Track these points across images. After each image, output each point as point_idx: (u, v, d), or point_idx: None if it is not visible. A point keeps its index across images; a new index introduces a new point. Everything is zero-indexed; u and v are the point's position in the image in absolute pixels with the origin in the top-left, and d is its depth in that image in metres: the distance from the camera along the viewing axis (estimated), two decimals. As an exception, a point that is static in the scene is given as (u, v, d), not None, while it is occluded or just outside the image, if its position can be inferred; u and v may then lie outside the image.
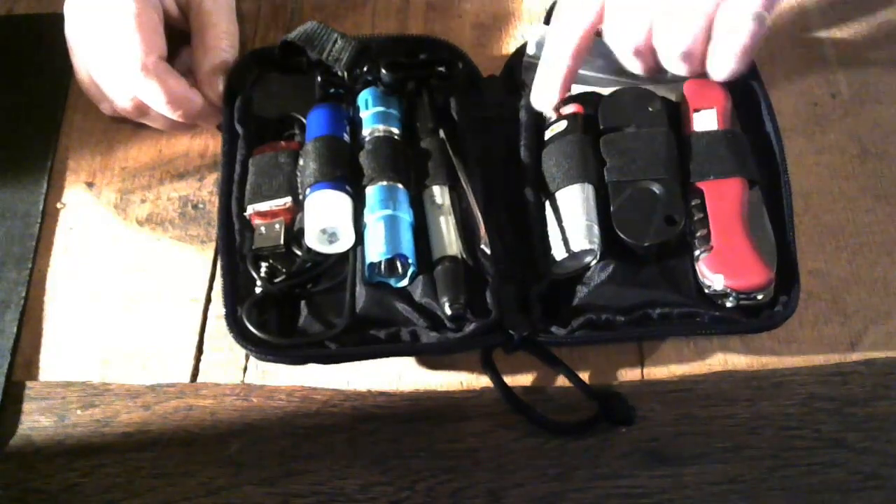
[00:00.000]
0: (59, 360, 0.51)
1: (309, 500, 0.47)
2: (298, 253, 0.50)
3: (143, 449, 0.49)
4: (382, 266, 0.48)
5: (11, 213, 0.56)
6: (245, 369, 0.51)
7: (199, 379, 0.51)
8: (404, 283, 0.48)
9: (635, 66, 0.50)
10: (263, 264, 0.49)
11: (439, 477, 0.47)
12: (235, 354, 0.51)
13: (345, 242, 0.49)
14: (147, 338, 0.52)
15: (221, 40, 0.56)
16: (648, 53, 0.49)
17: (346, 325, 0.48)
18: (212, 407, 0.50)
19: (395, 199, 0.49)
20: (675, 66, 0.48)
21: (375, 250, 0.48)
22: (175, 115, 0.54)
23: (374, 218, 0.49)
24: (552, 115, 0.53)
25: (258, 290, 0.49)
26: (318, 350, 0.47)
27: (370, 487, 0.47)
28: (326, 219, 0.49)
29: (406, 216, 0.49)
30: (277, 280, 0.49)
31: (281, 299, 0.49)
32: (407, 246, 0.48)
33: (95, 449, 0.49)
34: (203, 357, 0.51)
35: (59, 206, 0.56)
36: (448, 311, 0.47)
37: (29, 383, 0.51)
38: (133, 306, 0.53)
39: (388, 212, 0.49)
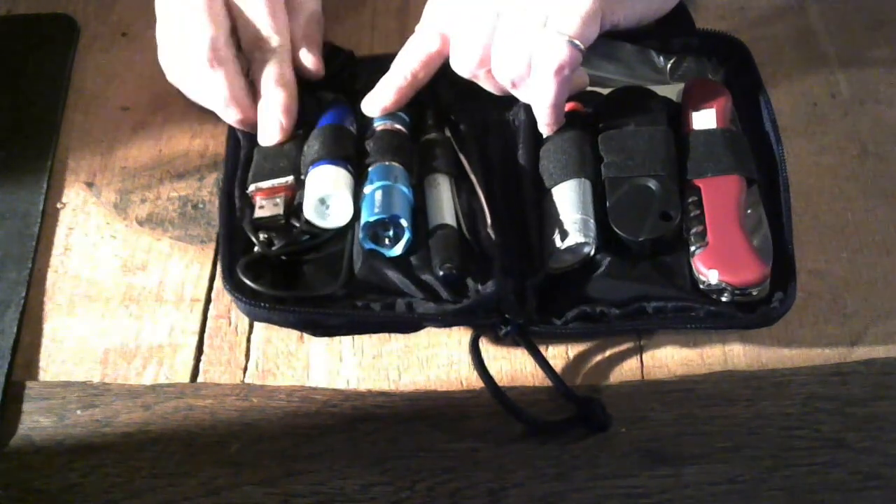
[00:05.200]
0: (59, 360, 0.51)
1: (309, 500, 0.47)
2: (297, 226, 0.50)
3: (143, 449, 0.48)
4: (376, 230, 0.48)
5: (11, 213, 0.56)
6: (245, 369, 0.51)
7: (199, 379, 0.51)
8: (398, 250, 0.49)
9: (484, 86, 0.54)
10: (262, 234, 0.50)
11: (439, 477, 0.47)
12: (235, 354, 0.51)
13: (342, 216, 0.50)
14: (147, 338, 0.52)
15: (313, 21, 0.57)
16: (489, 78, 0.52)
17: (342, 285, 0.48)
18: (212, 407, 0.50)
19: (395, 176, 0.50)
20: (511, 90, 0.51)
21: (371, 212, 0.49)
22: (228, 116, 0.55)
23: (373, 187, 0.50)
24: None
25: (256, 251, 0.50)
26: (313, 310, 0.48)
27: (370, 487, 0.47)
28: (324, 188, 0.49)
29: (405, 190, 0.50)
30: (276, 247, 0.50)
31: (278, 270, 0.50)
32: (402, 212, 0.49)
33: (95, 449, 0.49)
34: (203, 357, 0.51)
35: (59, 206, 0.56)
36: (439, 272, 0.48)
37: (29, 383, 0.51)
38: (133, 306, 0.53)
39: (388, 182, 0.50)
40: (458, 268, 0.48)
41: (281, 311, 0.48)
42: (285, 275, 0.50)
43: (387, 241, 0.49)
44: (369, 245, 0.49)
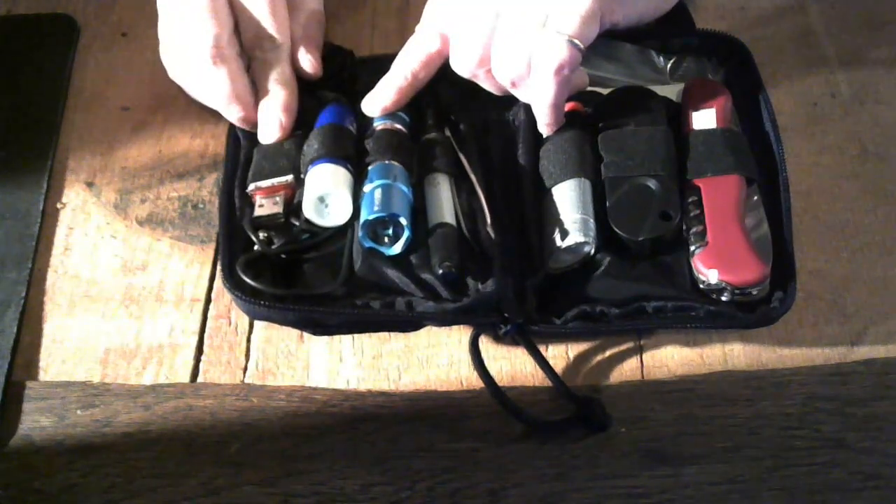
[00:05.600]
0: (59, 360, 0.51)
1: (309, 500, 0.47)
2: (297, 224, 0.50)
3: (143, 449, 0.48)
4: (376, 229, 0.48)
5: (11, 213, 0.56)
6: (245, 369, 0.51)
7: (199, 379, 0.51)
8: (397, 249, 0.49)
9: (484, 86, 0.54)
10: (262, 233, 0.50)
11: (439, 477, 0.47)
12: (235, 354, 0.51)
13: (342, 215, 0.50)
14: (147, 338, 0.52)
15: (313, 20, 0.57)
16: (489, 78, 0.52)
17: (342, 284, 0.48)
18: (212, 407, 0.50)
19: (395, 175, 0.50)
20: (511, 90, 0.52)
21: (370, 210, 0.49)
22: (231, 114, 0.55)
23: (373, 186, 0.50)
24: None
25: (256, 249, 0.50)
26: (313, 308, 0.48)
27: (370, 487, 0.47)
28: (324, 187, 0.50)
29: (405, 189, 0.50)
30: (275, 246, 0.50)
31: (277, 269, 0.50)
32: (402, 210, 0.49)
33: (95, 449, 0.49)
34: (203, 357, 0.51)
35: (59, 206, 0.56)
36: (439, 271, 0.48)
37: (29, 383, 0.51)
38: (133, 306, 0.53)
39: (387, 181, 0.50)
40: (457, 266, 0.48)
41: (280, 309, 0.48)
42: (285, 273, 0.50)
43: (386, 239, 0.49)
44: (369, 243, 0.49)
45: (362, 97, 0.54)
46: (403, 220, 0.48)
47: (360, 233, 0.49)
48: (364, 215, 0.49)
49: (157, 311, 0.53)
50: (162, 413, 0.50)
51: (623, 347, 0.51)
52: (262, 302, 0.47)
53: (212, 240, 0.55)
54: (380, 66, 0.55)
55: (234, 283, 0.48)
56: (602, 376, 0.50)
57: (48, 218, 0.56)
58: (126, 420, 0.49)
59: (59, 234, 0.55)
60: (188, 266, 0.54)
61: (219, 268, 0.51)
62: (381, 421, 0.49)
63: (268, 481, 0.47)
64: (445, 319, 0.49)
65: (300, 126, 0.54)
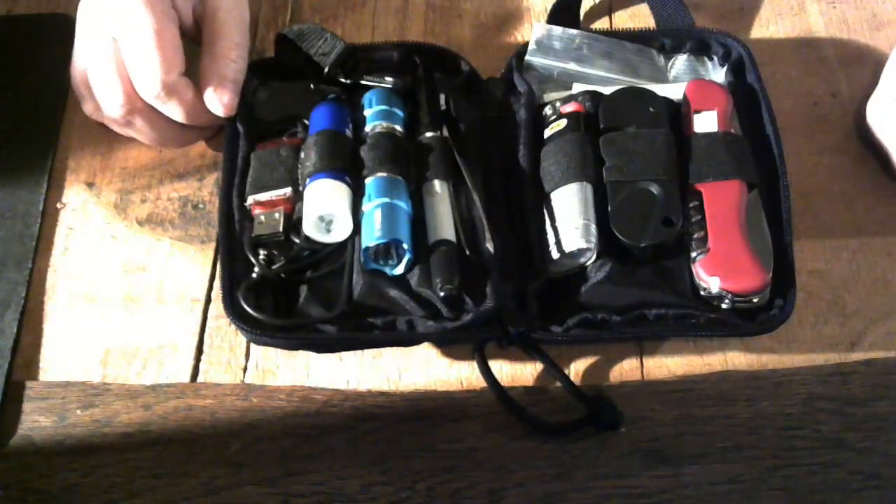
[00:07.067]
0: (59, 360, 0.51)
1: (309, 500, 0.47)
2: (297, 241, 0.50)
3: (143, 449, 0.49)
4: (378, 252, 0.48)
5: (11, 213, 0.56)
6: (245, 369, 0.51)
7: (199, 379, 0.51)
8: (400, 269, 0.48)
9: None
10: (262, 251, 0.50)
11: (439, 477, 0.47)
12: (235, 354, 0.51)
13: (342, 231, 0.49)
14: (147, 338, 0.52)
15: (231, 51, 0.54)
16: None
17: (342, 311, 0.48)
18: (212, 407, 0.50)
19: (394, 190, 0.50)
20: None
21: (371, 235, 0.48)
22: (194, 124, 0.54)
23: (372, 205, 0.49)
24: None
25: (255, 275, 0.49)
26: (313, 334, 0.47)
27: (370, 487, 0.47)
28: (324, 206, 0.49)
29: (404, 205, 0.49)
30: (276, 266, 0.49)
31: (278, 286, 0.50)
32: (403, 233, 0.48)
33: (95, 449, 0.49)
34: (203, 357, 0.51)
35: (59, 206, 0.56)
36: (440, 293, 0.47)
37: (29, 383, 0.51)
38: (133, 306, 0.53)
39: (386, 199, 0.49)
40: (458, 289, 0.47)
41: (282, 338, 0.48)
42: (286, 290, 0.50)
43: (388, 260, 0.48)
44: (371, 265, 0.48)
45: (361, 88, 0.54)
46: (405, 245, 0.48)
47: (362, 257, 0.48)
48: (365, 240, 0.48)
49: (157, 311, 0.53)
50: (162, 413, 0.50)
51: (624, 348, 0.51)
52: (264, 332, 0.47)
53: (212, 240, 0.55)
54: (376, 54, 0.55)
55: (235, 314, 0.48)
56: (602, 376, 0.50)
57: (48, 218, 0.56)
58: (126, 420, 0.49)
59: (59, 234, 0.55)
60: (188, 266, 0.54)
61: (217, 285, 0.51)
62: (381, 421, 0.49)
63: (268, 481, 0.47)
64: (446, 338, 0.49)
65: (296, 122, 0.54)
